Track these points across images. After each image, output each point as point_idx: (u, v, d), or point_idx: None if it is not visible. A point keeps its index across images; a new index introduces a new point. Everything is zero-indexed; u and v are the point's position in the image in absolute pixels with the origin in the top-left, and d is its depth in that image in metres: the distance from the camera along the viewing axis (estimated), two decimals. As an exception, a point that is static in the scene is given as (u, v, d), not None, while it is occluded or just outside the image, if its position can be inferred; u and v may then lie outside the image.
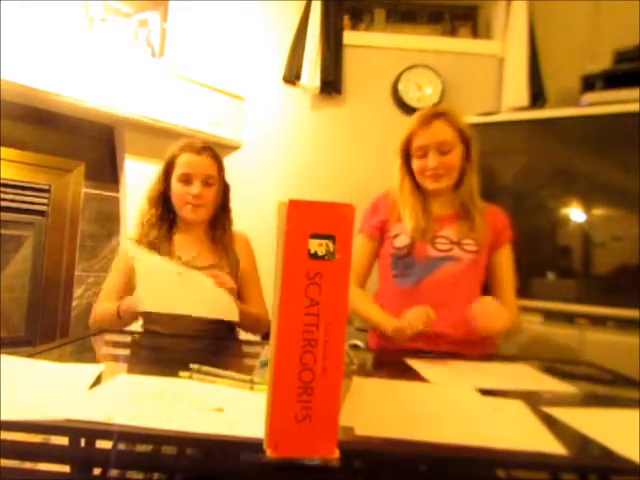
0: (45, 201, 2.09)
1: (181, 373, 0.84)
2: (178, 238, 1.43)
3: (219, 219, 1.46)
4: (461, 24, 2.67)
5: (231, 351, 1.32)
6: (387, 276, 1.39)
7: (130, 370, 1.02)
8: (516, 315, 1.32)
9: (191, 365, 0.86)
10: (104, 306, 1.34)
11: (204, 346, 1.28)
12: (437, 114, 1.34)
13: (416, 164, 1.35)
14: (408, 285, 1.33)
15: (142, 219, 1.42)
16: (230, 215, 1.50)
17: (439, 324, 1.19)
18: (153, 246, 1.35)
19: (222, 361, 1.16)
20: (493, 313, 1.16)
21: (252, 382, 0.79)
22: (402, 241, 1.34)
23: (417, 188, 1.38)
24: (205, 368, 0.85)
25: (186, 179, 1.37)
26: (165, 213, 1.43)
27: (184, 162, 1.39)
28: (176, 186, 1.39)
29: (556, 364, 1.29)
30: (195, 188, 1.36)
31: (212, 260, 1.40)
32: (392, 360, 1.16)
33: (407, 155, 1.38)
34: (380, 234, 1.41)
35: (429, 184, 1.34)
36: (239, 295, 1.40)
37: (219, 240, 1.44)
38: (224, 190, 1.47)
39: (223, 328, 1.37)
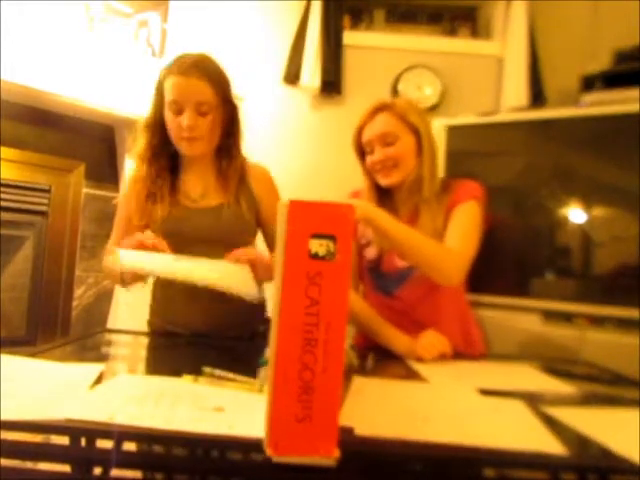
0: (45, 201, 2.09)
1: (185, 376, 0.81)
2: (184, 175, 1.27)
3: (224, 148, 1.27)
4: (461, 24, 2.67)
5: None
6: (367, 284, 1.37)
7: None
8: (452, 261, 1.16)
9: (203, 369, 0.83)
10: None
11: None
12: (381, 107, 1.27)
13: (367, 161, 1.30)
14: (384, 296, 1.31)
15: (137, 154, 1.26)
16: (237, 142, 1.29)
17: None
18: (156, 186, 1.22)
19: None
20: (432, 344, 1.11)
21: (262, 386, 0.77)
22: (371, 252, 1.31)
23: (378, 191, 1.32)
24: (217, 372, 0.83)
25: (177, 108, 1.16)
26: (164, 145, 1.24)
27: (170, 86, 1.16)
28: (168, 116, 1.18)
29: (556, 364, 1.29)
30: (186, 119, 1.15)
31: (220, 198, 1.24)
32: (392, 360, 1.16)
33: (364, 154, 1.32)
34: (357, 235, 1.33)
35: (381, 180, 1.28)
36: (265, 236, 1.30)
37: (225, 173, 1.26)
38: (230, 113, 1.26)
39: (246, 322, 1.24)
